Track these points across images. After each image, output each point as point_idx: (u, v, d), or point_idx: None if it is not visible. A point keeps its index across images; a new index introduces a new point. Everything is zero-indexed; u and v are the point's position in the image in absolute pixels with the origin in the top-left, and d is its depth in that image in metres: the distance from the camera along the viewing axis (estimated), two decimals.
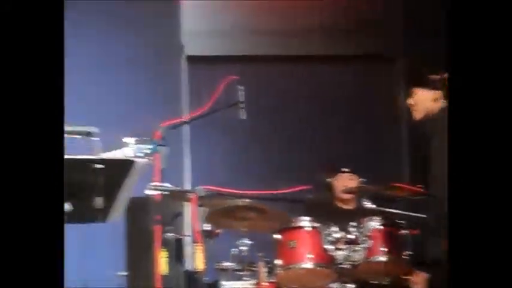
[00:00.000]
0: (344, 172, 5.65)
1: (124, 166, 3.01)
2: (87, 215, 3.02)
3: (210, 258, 4.69)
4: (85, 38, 6.51)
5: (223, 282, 4.93)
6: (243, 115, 4.78)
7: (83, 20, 6.52)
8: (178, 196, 5.11)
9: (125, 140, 3.94)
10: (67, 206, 2.90)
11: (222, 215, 4.85)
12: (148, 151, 3.98)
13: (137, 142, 3.96)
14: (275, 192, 5.32)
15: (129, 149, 3.92)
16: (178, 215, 5.39)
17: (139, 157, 3.93)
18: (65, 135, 3.07)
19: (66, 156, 3.10)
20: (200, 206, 4.46)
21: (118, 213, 3.14)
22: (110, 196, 3.03)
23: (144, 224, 5.29)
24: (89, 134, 3.01)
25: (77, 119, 6.03)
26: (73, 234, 2.98)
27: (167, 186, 4.97)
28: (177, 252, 5.18)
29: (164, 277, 4.93)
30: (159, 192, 4.89)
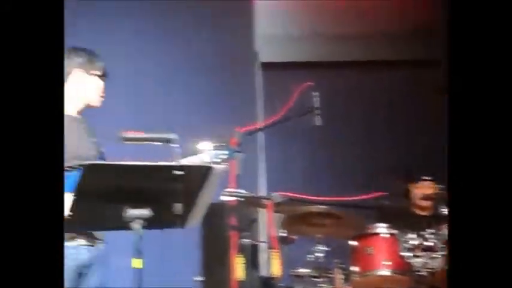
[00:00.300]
0: (425, 180, 5.57)
1: (203, 172, 3.03)
2: (166, 220, 3.03)
3: (285, 265, 4.69)
4: (162, 45, 6.60)
5: None
6: (318, 121, 4.76)
7: (159, 28, 6.62)
8: (254, 202, 5.14)
9: (202, 145, 3.99)
10: (147, 212, 2.93)
11: (297, 221, 4.86)
12: (225, 156, 4.03)
13: (214, 148, 4.00)
14: (351, 198, 5.31)
15: (206, 154, 3.97)
16: (254, 221, 5.41)
17: (216, 163, 3.98)
18: (145, 142, 3.12)
19: (146, 163, 3.16)
20: (276, 212, 4.46)
21: (196, 219, 3.16)
22: (189, 202, 3.05)
23: (220, 229, 5.33)
24: (169, 140, 3.05)
25: (155, 125, 6.21)
26: (151, 238, 3.02)
27: (243, 193, 5.00)
28: (252, 258, 5.19)
29: (240, 283, 4.96)
30: (235, 198, 4.93)
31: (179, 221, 3.03)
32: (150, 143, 3.13)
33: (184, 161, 3.73)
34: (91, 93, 3.74)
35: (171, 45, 6.63)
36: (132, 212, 2.91)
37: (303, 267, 4.91)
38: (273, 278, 4.79)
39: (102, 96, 3.79)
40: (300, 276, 4.94)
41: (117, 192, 2.92)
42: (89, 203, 2.93)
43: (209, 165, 3.05)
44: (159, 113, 6.45)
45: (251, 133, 4.94)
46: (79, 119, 3.75)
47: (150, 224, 2.96)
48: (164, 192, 2.93)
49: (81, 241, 3.53)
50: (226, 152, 4.08)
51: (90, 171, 2.87)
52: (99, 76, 3.75)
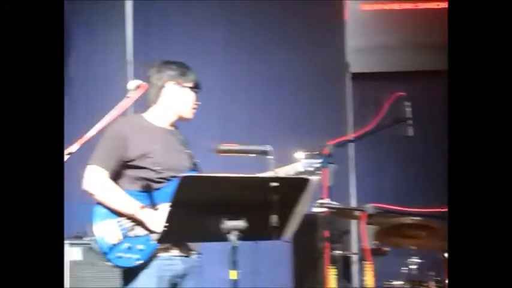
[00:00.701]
0: None
1: (299, 184, 3.03)
2: (262, 232, 3.05)
3: (378, 277, 4.64)
4: (252, 57, 6.66)
5: None
6: (410, 132, 4.70)
7: (249, 40, 6.67)
8: (346, 213, 5.12)
9: (296, 155, 4.00)
10: (243, 223, 2.95)
11: (390, 232, 4.79)
12: (318, 165, 4.02)
13: (307, 157, 4.00)
14: (445, 209, 5.21)
15: (299, 164, 3.96)
16: (346, 232, 5.39)
17: (309, 171, 3.97)
18: (240, 154, 3.15)
19: (243, 175, 3.19)
20: (369, 223, 4.42)
21: (291, 230, 3.16)
22: (285, 214, 3.06)
23: (312, 241, 5.34)
24: (264, 152, 3.07)
25: (245, 136, 6.26)
26: (243, 250, 3.03)
27: (335, 204, 4.98)
28: (345, 270, 5.17)
29: None
30: (327, 209, 4.92)
31: (274, 232, 3.03)
32: (244, 155, 3.15)
33: (280, 172, 3.75)
34: (184, 105, 3.79)
35: (263, 57, 6.68)
36: (229, 223, 2.93)
37: (396, 279, 4.84)
38: None
39: (194, 108, 3.84)
40: None
41: (213, 204, 2.95)
42: (185, 215, 2.97)
43: (306, 177, 3.05)
44: (250, 123, 6.51)
45: (342, 145, 4.92)
46: (171, 131, 3.80)
47: (245, 235, 2.98)
48: (260, 204, 2.95)
49: (176, 252, 3.59)
50: (320, 161, 4.08)
51: (186, 183, 2.91)
52: (192, 88, 3.80)
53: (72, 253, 5.42)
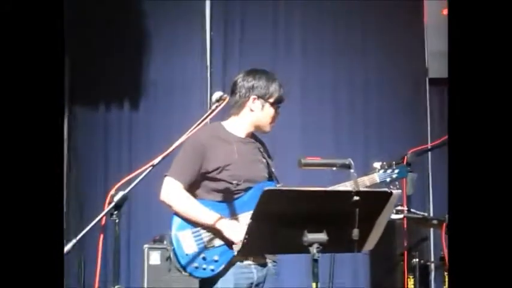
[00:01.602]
0: None
1: (381, 198, 3.01)
2: (342, 245, 3.02)
3: None
4: (333, 62, 6.64)
5: None
6: None
7: (326, 44, 6.64)
8: (425, 222, 5.06)
9: (374, 164, 3.96)
10: (324, 236, 2.94)
11: None
12: (395, 176, 3.97)
13: (383, 167, 3.96)
14: None
15: (376, 174, 3.93)
16: (425, 240, 5.32)
17: (386, 182, 3.93)
18: (323, 168, 3.14)
19: (324, 189, 3.17)
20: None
21: (372, 243, 3.14)
22: (366, 227, 3.03)
23: (390, 248, 5.29)
24: (347, 165, 3.05)
25: (325, 144, 6.23)
26: (323, 258, 3.02)
27: (415, 212, 4.94)
28: (423, 278, 5.10)
29: None
30: (407, 217, 4.87)
31: (356, 245, 3.00)
32: (327, 168, 3.14)
33: (360, 182, 3.72)
34: (264, 120, 3.78)
35: (343, 63, 6.65)
36: (311, 236, 2.93)
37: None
38: None
39: (273, 122, 3.83)
40: None
41: (294, 216, 2.94)
42: (266, 228, 2.97)
43: (388, 190, 3.01)
44: (329, 132, 6.48)
45: (421, 153, 4.86)
46: (249, 141, 3.82)
47: (326, 248, 2.96)
48: (341, 217, 2.93)
49: (251, 261, 3.61)
50: (397, 171, 4.01)
51: (267, 196, 2.90)
52: (274, 103, 3.78)
53: (150, 257, 5.52)
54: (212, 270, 3.55)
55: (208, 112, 3.40)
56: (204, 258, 3.54)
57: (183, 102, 6.39)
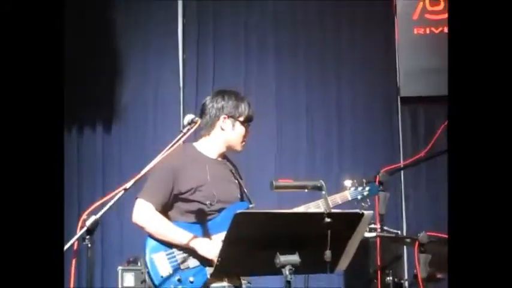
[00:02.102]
0: None
1: (353, 219, 3.03)
2: (315, 266, 3.04)
3: None
4: (305, 82, 6.66)
5: None
6: None
7: (299, 63, 6.68)
8: (399, 240, 5.07)
9: (345, 183, 3.98)
10: (297, 258, 2.95)
11: (445, 261, 4.73)
12: (366, 193, 3.99)
13: (354, 184, 3.97)
14: None
15: (347, 192, 3.95)
16: (398, 258, 5.33)
17: (357, 200, 3.95)
18: (295, 190, 3.15)
19: (297, 211, 3.18)
20: (422, 252, 4.37)
21: (345, 264, 3.16)
22: (338, 248, 3.06)
23: (364, 266, 5.29)
24: (318, 187, 3.06)
25: (296, 165, 6.23)
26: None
27: (388, 230, 4.95)
28: None
29: None
30: (379, 235, 4.88)
31: (328, 266, 3.02)
32: (299, 190, 3.16)
33: (332, 200, 3.73)
34: (235, 138, 3.81)
35: (316, 83, 6.67)
36: (283, 258, 2.94)
37: None
38: None
39: (244, 141, 3.85)
40: None
41: (267, 238, 2.96)
42: (239, 250, 2.99)
43: (359, 211, 3.03)
44: (303, 152, 6.49)
45: (393, 172, 4.89)
46: (222, 162, 3.84)
47: (299, 269, 2.97)
48: (314, 239, 2.94)
49: (226, 282, 3.60)
50: (368, 188, 4.03)
51: (239, 220, 2.92)
52: (244, 122, 3.81)
53: (125, 279, 5.48)
54: None
55: (180, 135, 3.41)
56: (179, 280, 3.54)
57: (155, 124, 6.38)
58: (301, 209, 3.70)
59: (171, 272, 3.55)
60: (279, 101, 6.57)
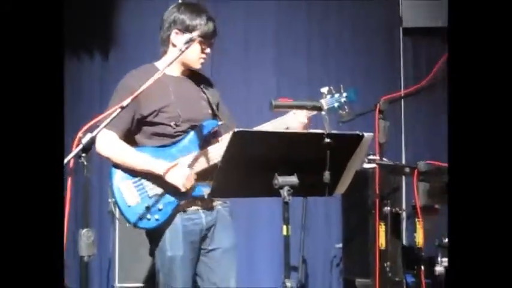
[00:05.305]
0: None
1: (353, 140, 2.98)
2: (314, 188, 3.01)
3: (429, 235, 4.61)
4: (308, 11, 6.54)
5: (442, 259, 4.82)
6: None
7: None
8: (398, 170, 5.07)
9: (322, 90, 3.67)
10: (295, 179, 2.92)
11: (442, 190, 4.73)
12: (343, 99, 3.63)
13: (331, 91, 3.63)
14: None
15: (323, 100, 3.57)
16: (397, 189, 5.33)
17: (334, 109, 3.61)
18: (296, 110, 3.09)
19: (297, 131, 3.12)
20: (421, 181, 4.37)
21: (343, 187, 3.13)
22: (337, 170, 3.02)
23: (362, 197, 5.30)
24: (318, 107, 3.01)
25: (297, 88, 6.20)
26: (295, 205, 2.99)
27: (387, 160, 4.94)
28: (394, 227, 5.13)
29: (382, 251, 4.92)
30: (378, 165, 4.87)
31: (327, 189, 2.99)
32: (299, 110, 3.11)
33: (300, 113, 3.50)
34: (190, 56, 3.57)
35: (318, 11, 6.55)
36: (282, 179, 2.90)
37: (447, 237, 4.79)
38: (415, 248, 4.71)
39: (202, 58, 3.61)
40: (444, 247, 4.83)
41: (265, 159, 2.91)
42: (236, 171, 2.94)
43: (359, 133, 2.98)
44: (303, 79, 6.44)
45: (393, 101, 4.84)
46: (183, 79, 3.66)
47: (297, 191, 2.93)
48: (313, 160, 2.91)
49: (197, 206, 3.56)
50: (345, 95, 3.63)
51: (237, 138, 2.85)
52: (198, 37, 3.53)
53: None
54: (157, 219, 3.47)
55: (179, 54, 3.35)
56: (147, 208, 3.45)
57: (154, 51, 6.29)
58: (267, 125, 3.51)
59: (139, 201, 3.46)
60: (278, 30, 6.47)
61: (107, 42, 6.29)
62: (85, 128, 2.96)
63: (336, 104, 3.60)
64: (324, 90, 3.61)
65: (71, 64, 6.18)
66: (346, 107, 3.61)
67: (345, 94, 3.62)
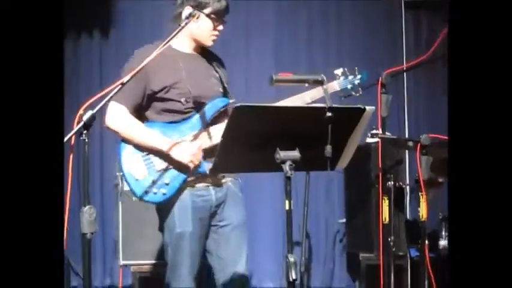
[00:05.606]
0: None
1: (354, 114, 2.96)
2: (316, 162, 2.99)
3: (432, 208, 4.60)
4: None
5: (446, 233, 4.83)
6: None
7: None
8: (401, 144, 5.05)
9: (335, 71, 3.73)
10: (297, 154, 2.90)
11: (446, 164, 4.71)
12: (357, 81, 3.72)
13: (345, 73, 3.71)
14: None
15: (336, 82, 3.69)
16: (400, 163, 5.32)
17: (347, 90, 3.71)
18: (295, 84, 3.08)
19: (298, 105, 3.10)
20: (424, 154, 4.34)
21: (345, 161, 3.11)
22: (339, 144, 3.00)
23: (365, 171, 5.30)
24: (319, 81, 2.99)
25: (298, 63, 6.18)
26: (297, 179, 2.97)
27: (389, 134, 4.92)
28: (398, 201, 5.12)
29: (385, 225, 4.91)
30: (381, 139, 4.85)
31: (328, 163, 2.97)
32: (299, 84, 3.08)
33: (315, 93, 3.52)
34: (202, 32, 3.58)
35: None
36: (283, 154, 2.88)
37: (448, 211, 4.78)
38: (419, 221, 4.71)
39: (214, 36, 3.61)
40: (447, 220, 4.83)
41: (267, 134, 2.90)
42: (238, 146, 2.93)
43: (361, 106, 2.96)
44: (303, 54, 6.42)
45: (395, 74, 4.81)
46: (195, 56, 3.66)
47: (299, 165, 2.92)
48: (315, 134, 2.89)
49: (206, 183, 3.57)
50: (359, 76, 3.72)
51: (239, 113, 2.84)
52: (210, 15, 3.55)
53: None
54: (164, 194, 3.48)
55: (179, 28, 3.32)
56: (154, 182, 3.46)
57: (152, 27, 6.26)
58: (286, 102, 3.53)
59: (146, 175, 3.48)
60: (279, 10, 6.47)
61: (106, 22, 6.27)
62: (86, 104, 2.95)
63: (349, 86, 3.69)
64: (338, 72, 3.69)
65: (70, 43, 6.16)
66: (360, 88, 3.69)
67: (359, 76, 3.70)
